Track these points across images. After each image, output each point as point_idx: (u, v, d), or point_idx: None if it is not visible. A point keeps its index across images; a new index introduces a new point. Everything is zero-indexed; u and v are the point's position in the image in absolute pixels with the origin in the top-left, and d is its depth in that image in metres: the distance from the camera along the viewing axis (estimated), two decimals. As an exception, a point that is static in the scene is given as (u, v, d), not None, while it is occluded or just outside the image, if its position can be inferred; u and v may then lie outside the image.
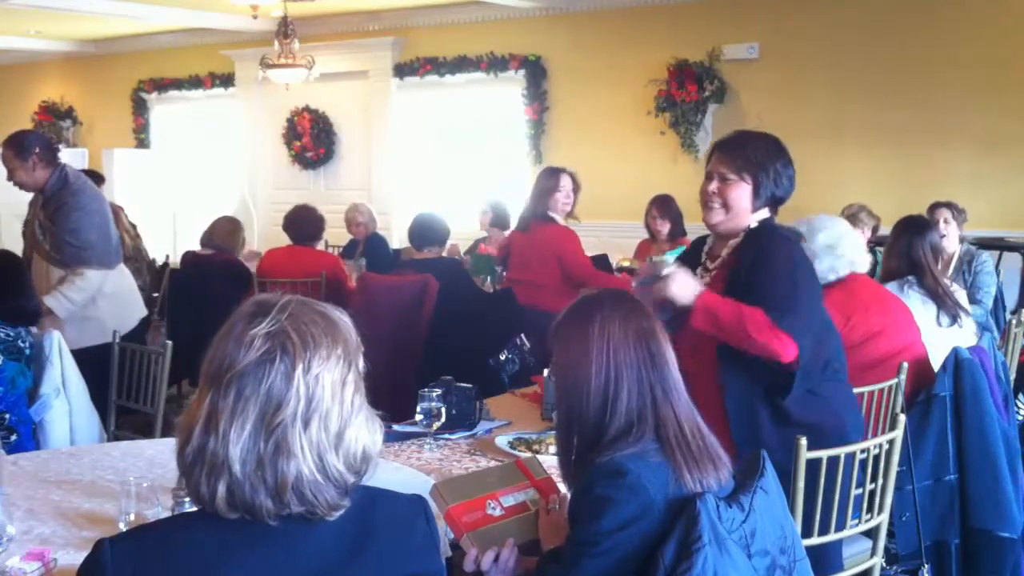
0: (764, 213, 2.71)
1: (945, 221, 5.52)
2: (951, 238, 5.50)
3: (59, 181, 4.39)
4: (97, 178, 6.52)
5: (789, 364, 2.52)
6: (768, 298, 2.53)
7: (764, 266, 2.60)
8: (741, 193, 2.68)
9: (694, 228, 6.33)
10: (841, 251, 3.61)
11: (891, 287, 4.10)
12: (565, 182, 5.08)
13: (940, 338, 3.95)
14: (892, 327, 3.63)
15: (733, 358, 2.58)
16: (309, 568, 1.40)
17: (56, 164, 4.43)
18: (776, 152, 2.71)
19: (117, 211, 5.91)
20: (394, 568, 1.47)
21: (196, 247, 6.43)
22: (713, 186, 2.70)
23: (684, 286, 2.56)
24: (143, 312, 4.80)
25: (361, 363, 1.46)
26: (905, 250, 4.20)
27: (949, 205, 5.68)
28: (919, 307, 4.04)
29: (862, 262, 3.72)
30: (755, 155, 2.68)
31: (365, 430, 1.43)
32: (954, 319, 4.10)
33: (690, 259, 2.85)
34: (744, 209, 2.69)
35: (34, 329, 3.57)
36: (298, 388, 1.37)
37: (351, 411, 1.41)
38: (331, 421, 1.39)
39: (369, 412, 1.46)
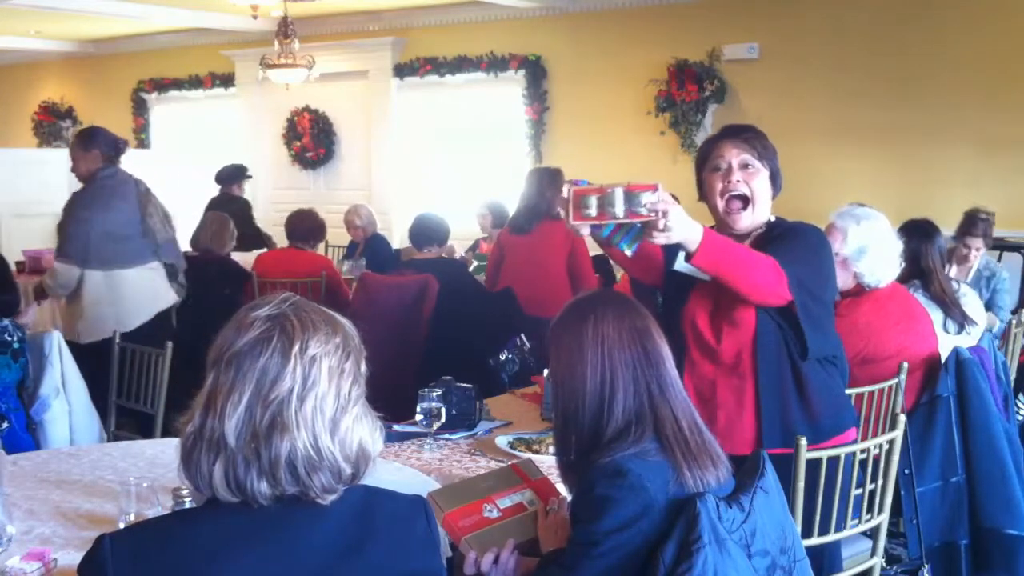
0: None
1: (976, 250, 5.31)
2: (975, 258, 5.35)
3: (91, 179, 4.51)
4: (240, 171, 7.95)
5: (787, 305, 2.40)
6: (782, 252, 2.38)
7: (791, 236, 2.46)
8: (765, 181, 2.50)
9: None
10: (875, 255, 3.48)
11: None
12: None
13: (947, 344, 3.89)
14: (915, 341, 3.56)
15: (768, 332, 2.44)
16: (308, 564, 1.40)
17: (110, 164, 4.53)
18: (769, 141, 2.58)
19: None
20: (393, 566, 1.47)
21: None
22: (736, 175, 2.47)
23: (684, 220, 2.19)
24: (155, 309, 4.67)
25: (364, 366, 1.47)
26: (913, 256, 4.05)
27: (974, 231, 5.28)
28: None
29: (895, 268, 3.60)
30: (764, 142, 2.53)
31: (362, 425, 1.44)
32: (961, 327, 4.02)
33: None
34: (768, 200, 2.51)
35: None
36: (294, 367, 1.39)
37: (347, 400, 1.42)
38: (327, 405, 1.40)
39: (369, 412, 1.46)
